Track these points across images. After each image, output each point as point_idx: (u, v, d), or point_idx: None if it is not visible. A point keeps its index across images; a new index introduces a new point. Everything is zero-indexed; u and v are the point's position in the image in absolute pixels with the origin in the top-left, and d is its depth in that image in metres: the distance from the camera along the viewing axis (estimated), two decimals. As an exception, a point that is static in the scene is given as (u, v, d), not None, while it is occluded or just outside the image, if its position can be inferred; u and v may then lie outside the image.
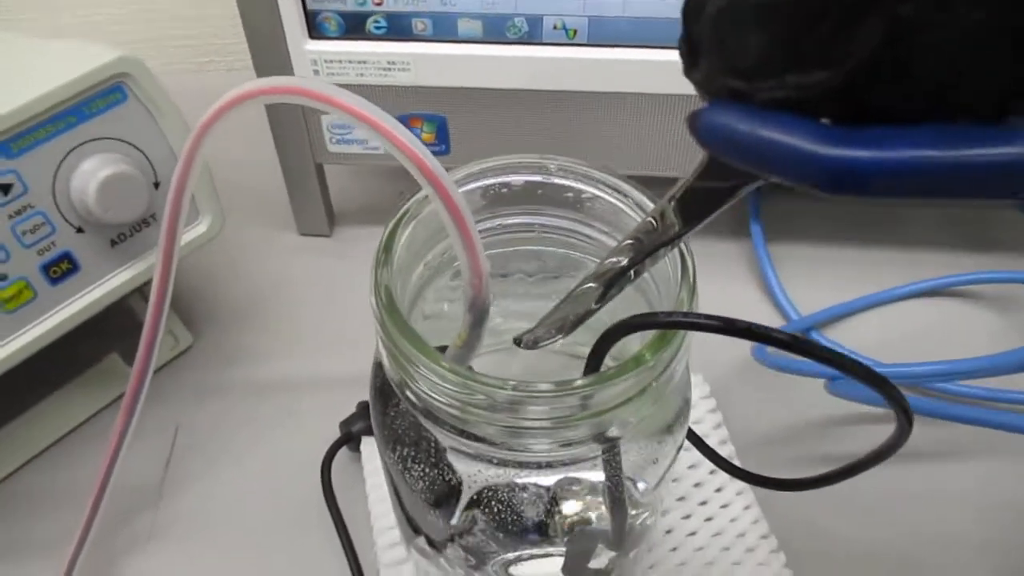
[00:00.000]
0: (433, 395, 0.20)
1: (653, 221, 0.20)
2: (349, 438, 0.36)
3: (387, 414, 0.24)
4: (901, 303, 0.43)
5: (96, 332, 0.38)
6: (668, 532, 0.34)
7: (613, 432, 0.21)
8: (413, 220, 0.23)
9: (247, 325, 0.44)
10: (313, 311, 0.44)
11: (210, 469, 0.38)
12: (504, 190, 0.24)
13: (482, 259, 0.24)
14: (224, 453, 0.38)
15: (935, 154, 0.13)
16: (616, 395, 0.20)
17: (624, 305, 0.24)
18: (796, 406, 0.39)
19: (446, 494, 0.23)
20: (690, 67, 0.15)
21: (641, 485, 0.25)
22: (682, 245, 0.21)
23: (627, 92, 0.39)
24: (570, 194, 0.24)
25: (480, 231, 0.24)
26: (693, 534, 0.34)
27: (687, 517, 0.34)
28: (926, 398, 0.33)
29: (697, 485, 0.35)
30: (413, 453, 0.23)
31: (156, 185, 0.35)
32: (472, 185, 0.24)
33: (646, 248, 0.20)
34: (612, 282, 0.21)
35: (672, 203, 0.19)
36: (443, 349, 0.24)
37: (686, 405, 0.26)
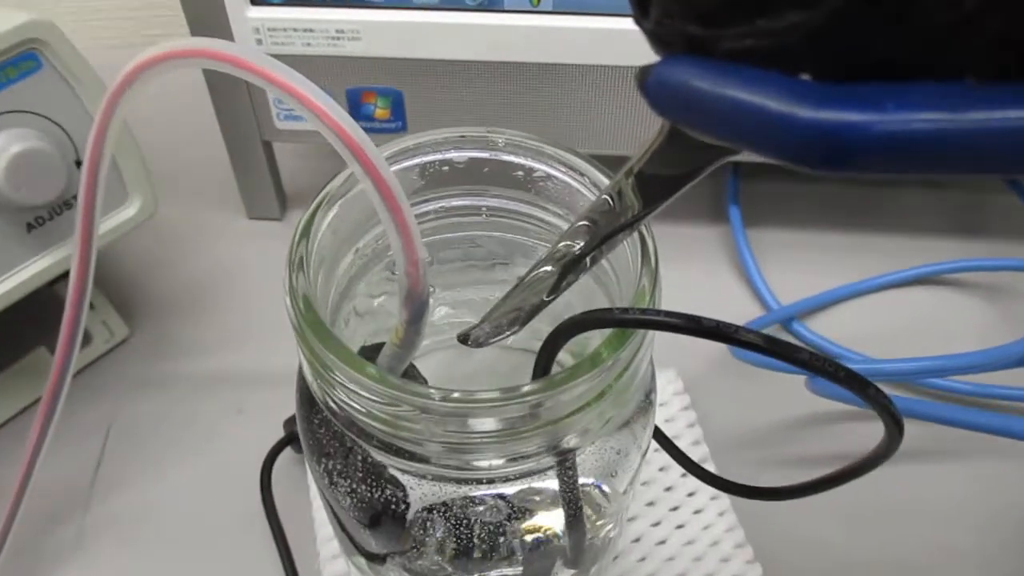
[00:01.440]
0: (358, 407, 0.18)
1: (609, 199, 0.17)
2: (293, 438, 0.33)
3: (312, 421, 0.21)
4: (887, 292, 0.41)
5: (22, 324, 0.35)
6: (636, 540, 0.31)
7: (570, 442, 0.19)
8: (339, 200, 0.20)
9: (190, 315, 0.41)
10: (262, 300, 0.41)
11: (145, 472, 0.35)
12: (445, 168, 0.21)
13: (418, 244, 0.21)
14: (161, 454, 0.35)
15: (948, 117, 0.10)
16: (571, 401, 0.18)
17: (580, 295, 0.21)
18: (775, 404, 0.36)
19: (379, 513, 0.20)
20: (641, 12, 0.12)
21: (601, 494, 0.23)
22: (643, 227, 0.18)
23: (596, 64, 0.36)
24: (520, 172, 0.22)
25: (418, 215, 0.21)
26: (663, 543, 0.31)
27: (657, 524, 0.32)
28: (917, 399, 0.30)
29: (668, 489, 0.33)
30: (340, 467, 0.20)
31: (78, 164, 0.32)
32: (408, 162, 0.21)
33: (601, 232, 0.17)
34: (565, 271, 0.19)
35: (630, 179, 0.16)
36: (378, 348, 0.22)
37: (649, 404, 0.23)
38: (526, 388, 0.17)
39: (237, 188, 0.44)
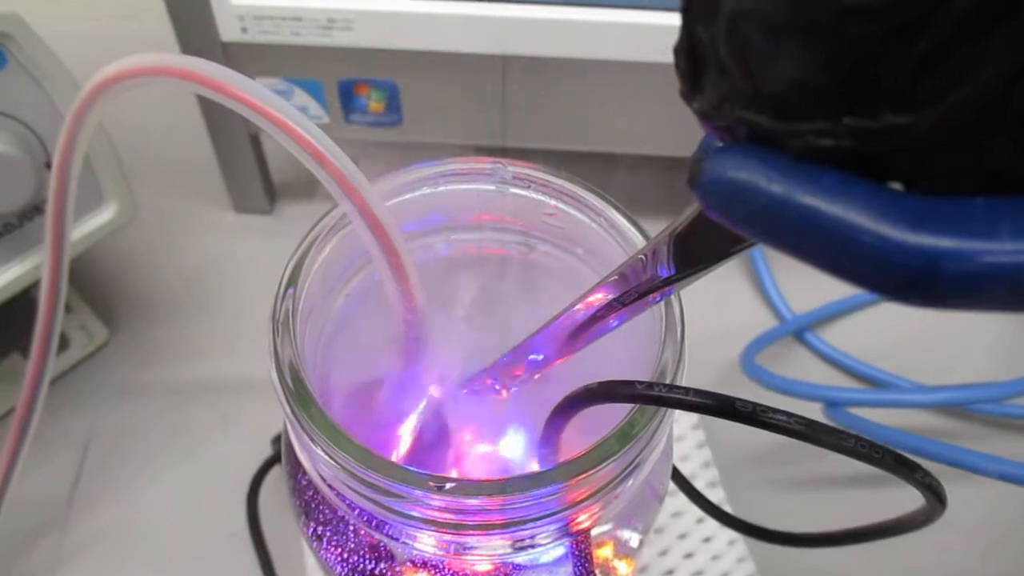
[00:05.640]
0: (344, 484, 0.16)
1: (643, 258, 0.15)
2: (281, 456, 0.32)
3: (298, 479, 0.19)
4: (904, 299, 0.39)
5: (-6, 329, 0.33)
6: (642, 572, 0.30)
7: (584, 523, 0.17)
8: (331, 240, 0.18)
9: (174, 317, 0.39)
10: (251, 300, 0.39)
11: (127, 486, 0.33)
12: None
13: (417, 290, 0.19)
14: (143, 468, 0.34)
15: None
16: (592, 482, 0.16)
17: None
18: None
19: (371, 581, 0.19)
20: (690, 87, 0.10)
21: (615, 550, 0.21)
22: (673, 295, 0.17)
23: (606, 59, 0.34)
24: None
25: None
26: (671, 573, 0.30)
27: (664, 553, 0.30)
28: (956, 448, 0.29)
29: (675, 515, 0.31)
30: (330, 533, 0.19)
31: (48, 165, 0.29)
32: (404, 196, 0.19)
33: (630, 292, 0.16)
34: (582, 328, 0.17)
35: (671, 238, 0.14)
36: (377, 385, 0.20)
37: (669, 451, 0.21)
38: (536, 477, 0.15)
39: (223, 181, 0.41)
